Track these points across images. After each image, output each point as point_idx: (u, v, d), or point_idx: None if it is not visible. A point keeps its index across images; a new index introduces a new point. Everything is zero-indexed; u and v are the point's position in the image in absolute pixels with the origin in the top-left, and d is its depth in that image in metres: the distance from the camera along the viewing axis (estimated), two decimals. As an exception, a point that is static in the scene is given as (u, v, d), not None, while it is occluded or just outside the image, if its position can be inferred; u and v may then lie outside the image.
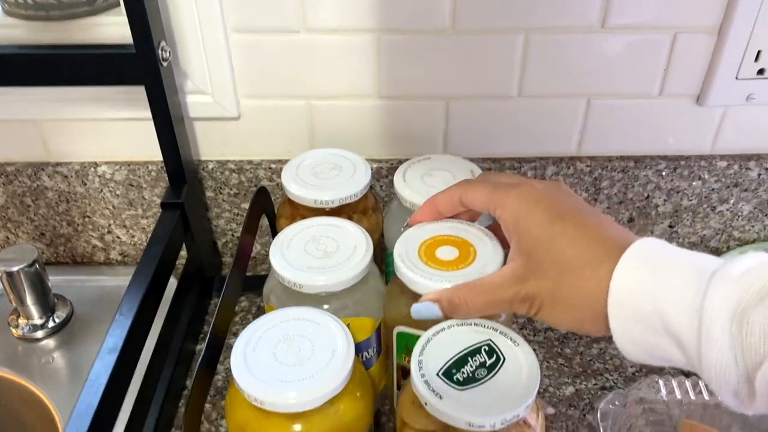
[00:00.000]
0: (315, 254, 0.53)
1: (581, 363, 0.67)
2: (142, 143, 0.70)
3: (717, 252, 0.78)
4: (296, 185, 0.59)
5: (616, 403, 0.57)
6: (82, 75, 0.61)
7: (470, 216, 0.51)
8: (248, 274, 0.79)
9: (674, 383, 0.54)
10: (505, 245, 0.47)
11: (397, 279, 0.50)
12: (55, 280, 0.73)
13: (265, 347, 0.45)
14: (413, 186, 0.59)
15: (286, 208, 0.63)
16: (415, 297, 0.49)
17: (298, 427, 0.43)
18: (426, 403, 0.41)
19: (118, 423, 0.52)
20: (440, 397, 0.41)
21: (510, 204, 0.43)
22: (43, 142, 0.72)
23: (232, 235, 0.78)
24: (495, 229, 0.50)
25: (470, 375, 0.42)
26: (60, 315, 0.72)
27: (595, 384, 0.65)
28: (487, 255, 0.47)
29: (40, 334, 0.70)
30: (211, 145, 0.71)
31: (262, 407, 0.42)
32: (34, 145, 0.72)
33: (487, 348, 0.44)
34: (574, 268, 0.39)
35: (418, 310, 0.45)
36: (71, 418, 0.45)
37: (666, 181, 0.73)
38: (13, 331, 0.71)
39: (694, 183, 0.73)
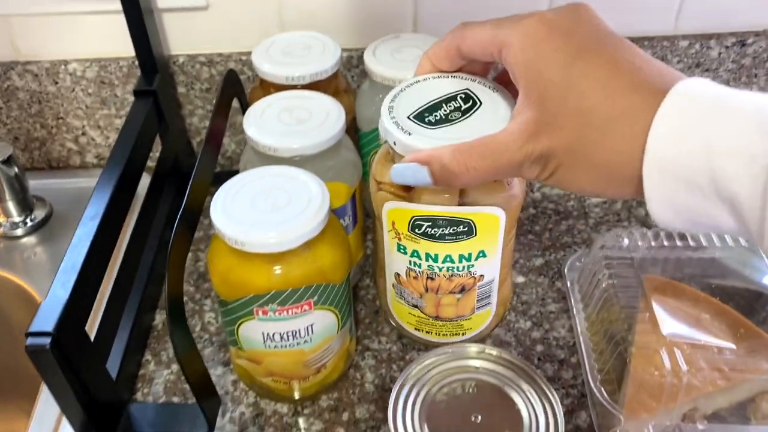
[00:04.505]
0: (288, 122, 0.54)
1: (550, 238, 0.69)
2: (112, 39, 0.70)
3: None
4: (268, 64, 0.60)
5: (583, 260, 0.59)
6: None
7: (481, 70, 0.42)
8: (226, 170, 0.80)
9: (637, 235, 0.56)
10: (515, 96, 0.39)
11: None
12: (33, 184, 0.74)
13: (243, 198, 0.46)
14: (384, 61, 0.60)
15: (258, 91, 0.63)
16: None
17: (277, 269, 0.45)
18: (394, 143, 0.38)
19: (101, 306, 0.54)
20: (408, 134, 0.38)
21: (516, 41, 0.35)
22: (11, 40, 0.71)
23: (207, 134, 0.78)
24: (503, 80, 0.42)
25: (443, 117, 0.39)
26: (39, 213, 0.73)
27: (564, 255, 0.67)
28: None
29: (19, 231, 0.71)
30: (180, 39, 0.71)
31: (242, 249, 0.44)
32: (1, 44, 0.71)
33: (463, 95, 0.40)
34: (600, 121, 0.31)
35: (401, 172, 0.38)
36: (57, 275, 0.46)
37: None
38: (-7, 229, 0.71)
39: (657, 65, 0.75)
